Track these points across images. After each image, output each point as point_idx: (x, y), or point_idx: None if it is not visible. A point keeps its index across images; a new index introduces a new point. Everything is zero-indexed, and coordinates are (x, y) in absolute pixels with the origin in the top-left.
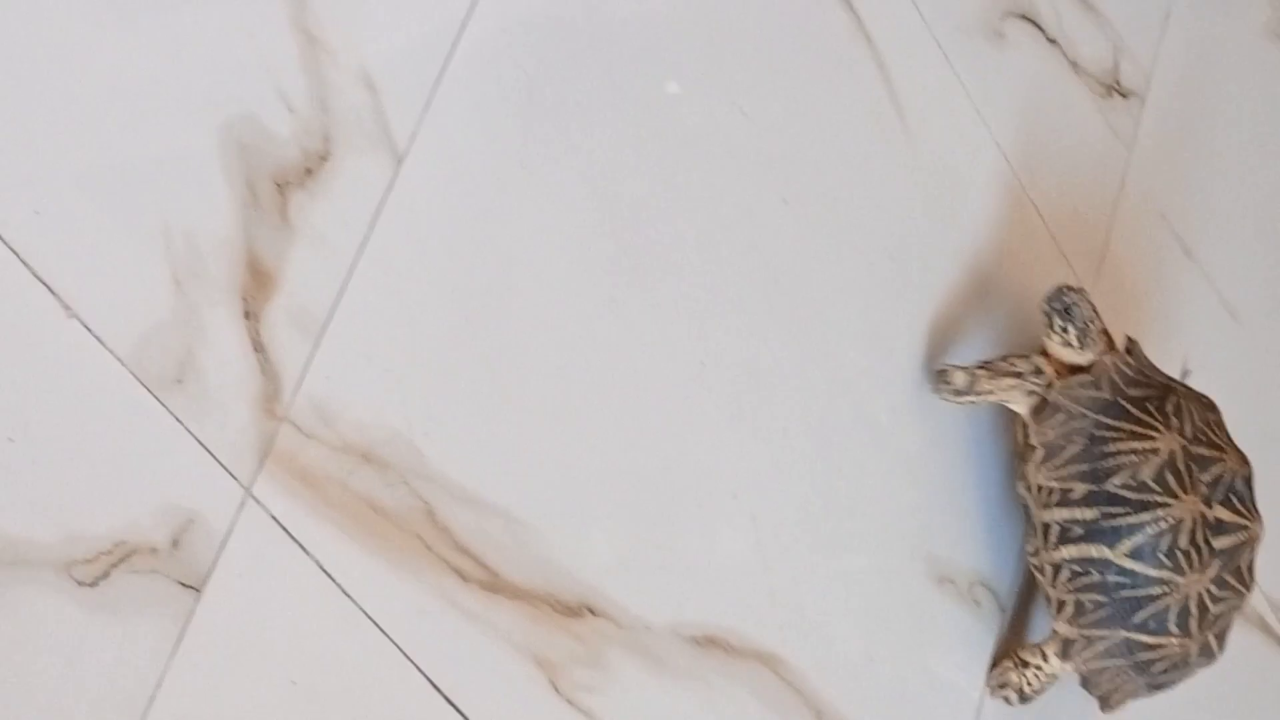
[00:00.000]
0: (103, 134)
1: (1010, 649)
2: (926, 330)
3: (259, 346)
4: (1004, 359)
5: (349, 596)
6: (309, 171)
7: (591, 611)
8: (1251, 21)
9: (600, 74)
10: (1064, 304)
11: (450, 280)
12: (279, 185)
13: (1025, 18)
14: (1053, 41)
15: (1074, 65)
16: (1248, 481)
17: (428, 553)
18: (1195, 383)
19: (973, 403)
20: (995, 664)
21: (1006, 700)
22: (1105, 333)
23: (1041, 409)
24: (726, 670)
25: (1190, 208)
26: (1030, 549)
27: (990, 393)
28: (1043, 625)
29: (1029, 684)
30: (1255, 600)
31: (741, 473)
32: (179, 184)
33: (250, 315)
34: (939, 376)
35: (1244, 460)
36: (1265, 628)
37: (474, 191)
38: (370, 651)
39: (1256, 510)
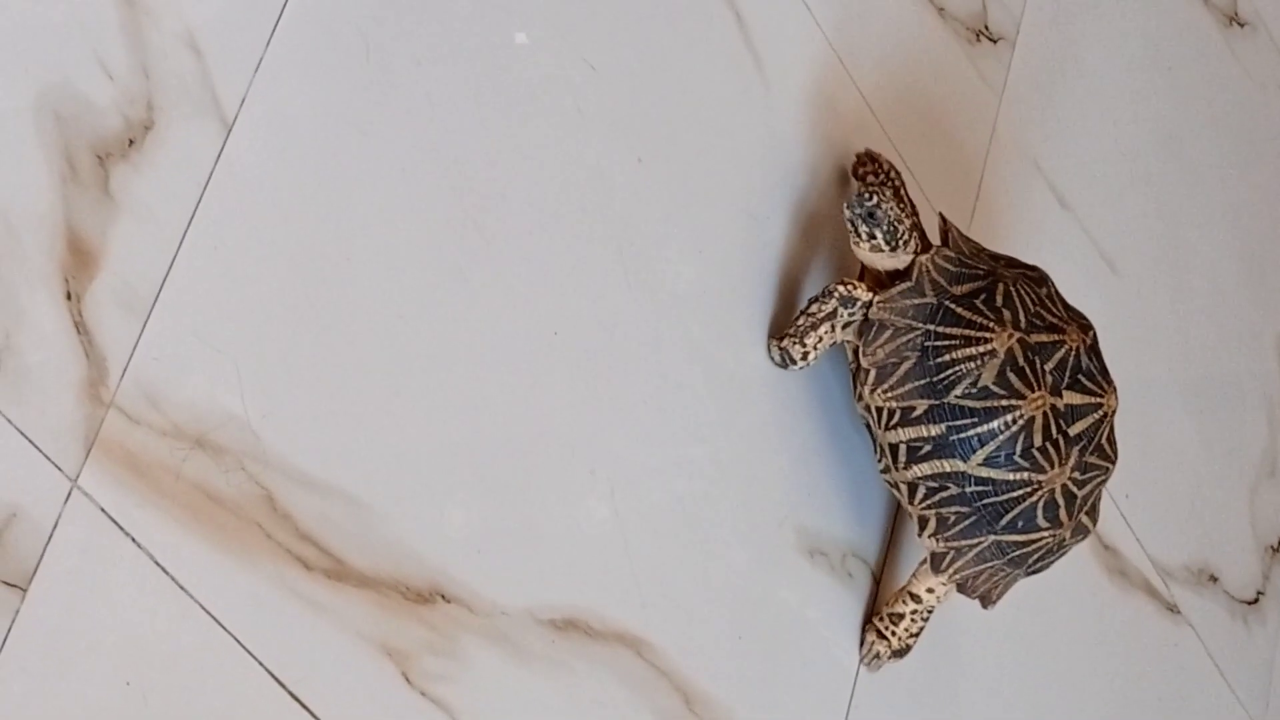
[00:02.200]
0: None
1: (873, 615)
2: (784, 289)
3: (82, 328)
4: (806, 310)
5: (184, 590)
6: (132, 142)
7: (443, 597)
8: None
9: (441, 29)
10: (866, 209)
11: (285, 253)
12: (99, 157)
13: None
14: None
15: (941, 11)
16: (1093, 350)
17: (268, 541)
18: None
19: (817, 358)
20: (862, 640)
21: (891, 665)
22: (917, 225)
23: (867, 327)
24: (588, 654)
25: (1065, 156)
26: (880, 467)
27: (819, 343)
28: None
29: (905, 633)
30: (1139, 563)
31: (598, 446)
32: None
33: (72, 295)
34: (778, 355)
35: (1085, 327)
36: (1151, 590)
37: (308, 158)
38: (209, 647)
39: (1108, 382)
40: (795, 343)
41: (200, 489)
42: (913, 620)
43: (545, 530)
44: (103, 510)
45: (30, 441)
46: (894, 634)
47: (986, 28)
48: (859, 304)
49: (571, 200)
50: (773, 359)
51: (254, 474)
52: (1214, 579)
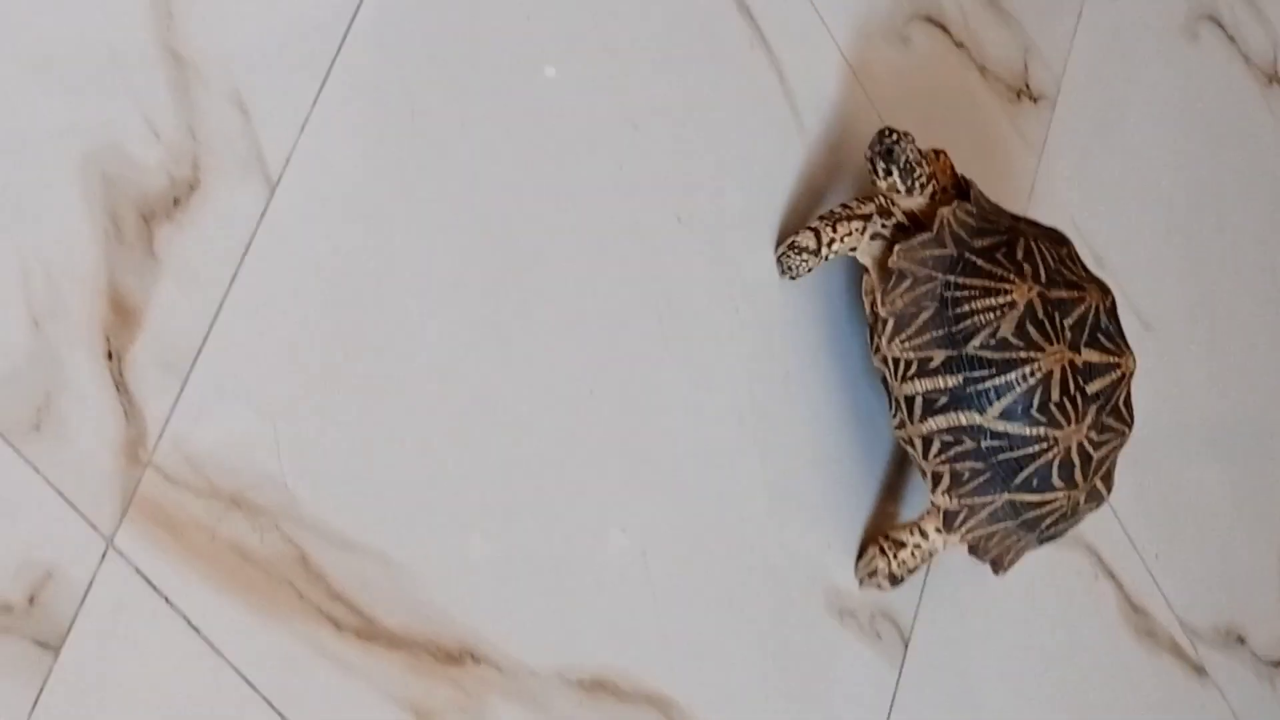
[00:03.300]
0: None
1: (877, 533)
2: (822, 350)
3: (122, 388)
4: (845, 205)
5: (217, 651)
6: (177, 201)
7: (473, 658)
8: (1165, 21)
9: (487, 90)
10: (885, 146)
11: (325, 312)
12: (144, 217)
13: (931, 20)
14: (960, 45)
15: (982, 69)
16: (1112, 313)
17: (300, 601)
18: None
19: (825, 259)
20: (861, 551)
21: (878, 587)
22: (935, 177)
23: (886, 276)
24: (616, 715)
25: (1101, 214)
26: (895, 423)
27: (846, 238)
28: (915, 503)
29: (902, 564)
30: (1168, 624)
31: (630, 505)
32: (37, 218)
33: (113, 355)
34: (786, 253)
35: (1105, 290)
36: (1178, 651)
37: (350, 217)
38: (241, 708)
39: (1126, 344)
40: (827, 225)
41: (235, 548)
42: (912, 554)
43: (575, 590)
44: (137, 570)
45: (67, 501)
46: (895, 558)
47: (1027, 86)
48: (894, 220)
49: (610, 259)
50: (797, 247)
51: (288, 534)
52: (1241, 639)
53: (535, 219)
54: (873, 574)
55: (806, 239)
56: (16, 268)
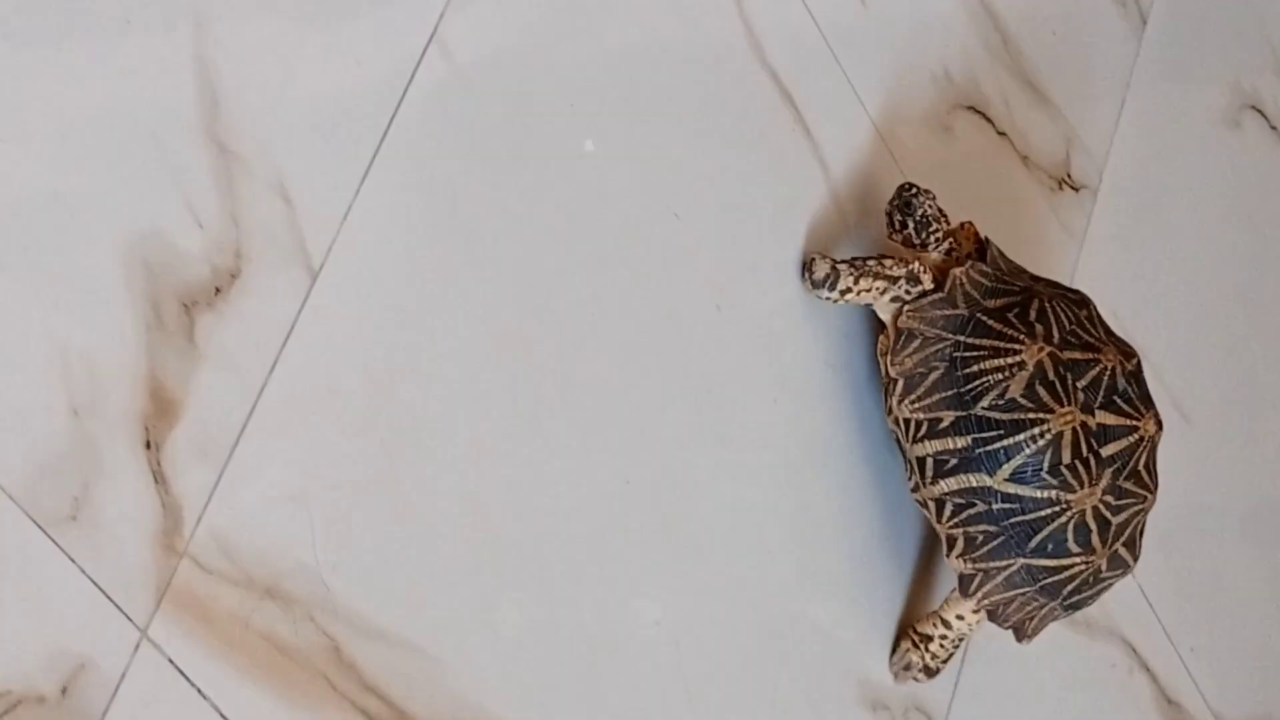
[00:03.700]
0: None
1: (906, 627)
2: (860, 433)
3: (159, 477)
4: (879, 258)
5: None
6: (218, 290)
7: None
8: (1208, 110)
9: (529, 179)
10: (904, 199)
11: (362, 401)
12: (186, 306)
13: (974, 109)
14: (1003, 135)
15: (1024, 159)
16: (1134, 376)
17: (333, 693)
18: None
19: (835, 301)
20: (894, 648)
21: (914, 680)
22: (953, 236)
23: (896, 337)
24: None
25: (1141, 304)
26: (910, 485)
27: (865, 291)
28: (948, 580)
29: (934, 655)
30: (1201, 716)
31: (664, 594)
32: (79, 306)
33: (151, 444)
34: (825, 269)
35: (1127, 354)
36: None
37: (390, 306)
38: None
39: (1148, 407)
40: (850, 273)
41: (268, 639)
42: (940, 645)
43: (607, 679)
44: (170, 661)
45: (102, 591)
46: (925, 651)
47: (1069, 176)
48: (919, 290)
49: (649, 348)
50: (813, 273)
51: (322, 624)
52: None
53: (575, 307)
54: (907, 668)
55: (820, 269)
56: (57, 356)
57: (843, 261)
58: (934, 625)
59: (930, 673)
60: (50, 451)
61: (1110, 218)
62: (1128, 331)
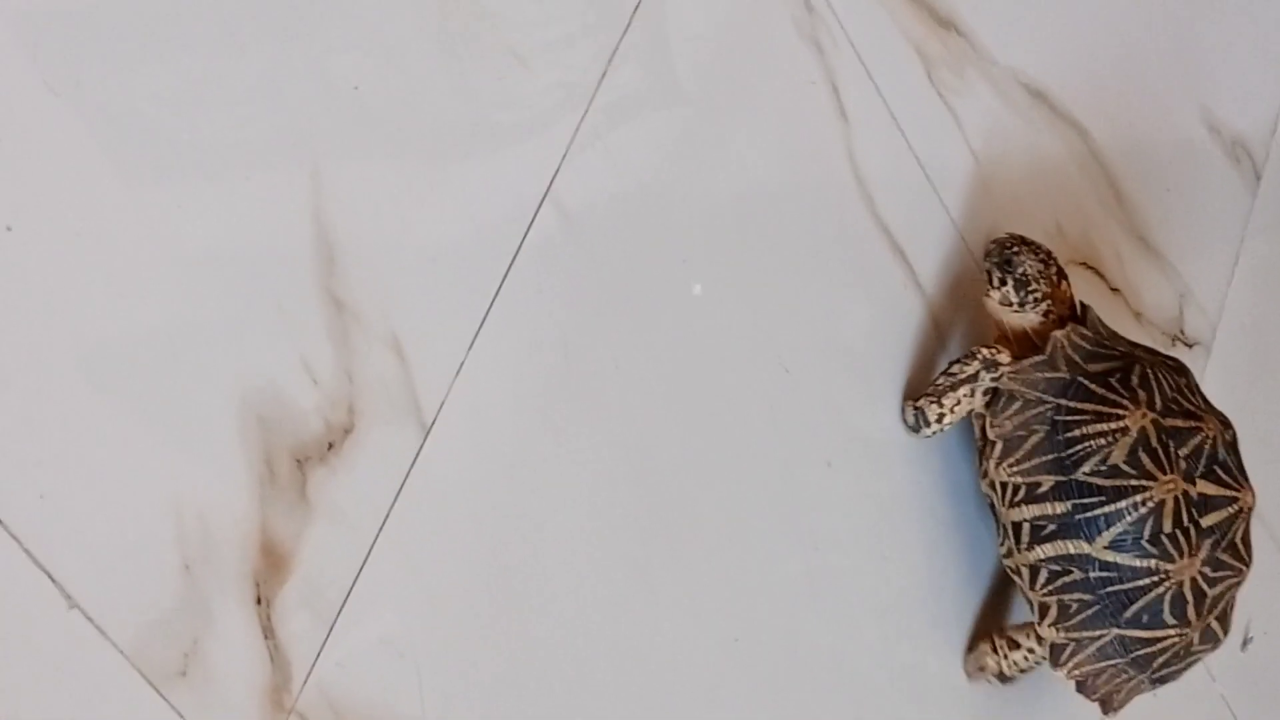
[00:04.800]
0: (114, 410)
1: (991, 629)
2: (970, 587)
3: (269, 633)
4: (948, 371)
5: None
6: (331, 446)
7: None
8: None
9: (640, 330)
10: (1005, 256)
11: (473, 556)
12: (299, 461)
13: (1087, 265)
14: (1115, 290)
15: (1138, 315)
16: (1232, 447)
17: None
18: (1258, 650)
19: (949, 426)
20: (972, 646)
21: (988, 682)
22: (1051, 296)
23: (995, 399)
24: None
25: (1255, 462)
26: (1003, 551)
27: (956, 405)
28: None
29: (1014, 664)
30: None
31: None
32: (193, 462)
33: (262, 600)
34: (912, 416)
35: (1225, 424)
36: None
37: (501, 460)
38: None
39: (1245, 478)
40: (933, 403)
41: None
42: (1025, 657)
43: None
44: None
45: None
46: (1006, 658)
47: (1182, 332)
48: (1001, 369)
49: (759, 502)
50: (905, 421)
51: None
52: None
53: (684, 459)
54: (982, 668)
55: (912, 415)
56: (171, 511)
57: (920, 397)
58: (1027, 635)
59: (1004, 679)
60: (162, 607)
61: (1224, 374)
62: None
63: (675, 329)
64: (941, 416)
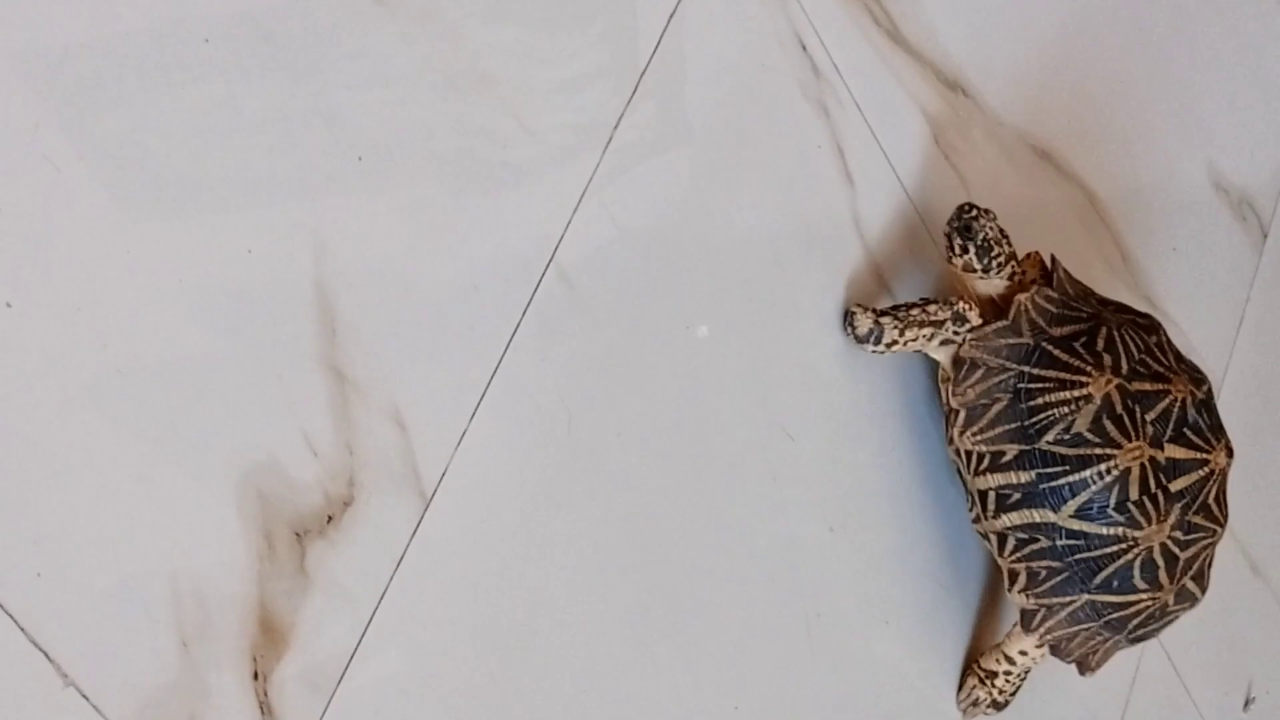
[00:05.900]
0: (112, 489)
1: (971, 662)
2: (972, 652)
3: (266, 709)
4: (922, 305)
5: None
6: (330, 519)
7: None
8: None
9: (642, 400)
10: (964, 222)
11: (472, 628)
12: (298, 534)
13: None
14: None
15: None
16: (1204, 406)
17: None
18: (1260, 710)
19: (882, 354)
20: (961, 684)
21: (985, 715)
22: (1015, 258)
23: (958, 366)
24: None
25: (1261, 521)
26: (972, 517)
27: (911, 341)
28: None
29: (1000, 690)
30: None
31: None
32: (191, 538)
33: (259, 675)
34: (869, 324)
35: (1197, 382)
36: None
37: (501, 531)
38: None
39: (1218, 437)
40: (895, 327)
41: None
42: (1006, 680)
43: None
44: None
45: None
46: (992, 686)
47: None
48: (967, 328)
49: (760, 569)
50: (855, 327)
51: None
52: None
53: (685, 528)
54: (975, 703)
55: (863, 324)
56: (168, 588)
57: (885, 313)
58: (998, 660)
59: (999, 706)
60: (159, 684)
61: (1229, 431)
62: (1245, 549)
63: (676, 398)
64: (893, 344)
